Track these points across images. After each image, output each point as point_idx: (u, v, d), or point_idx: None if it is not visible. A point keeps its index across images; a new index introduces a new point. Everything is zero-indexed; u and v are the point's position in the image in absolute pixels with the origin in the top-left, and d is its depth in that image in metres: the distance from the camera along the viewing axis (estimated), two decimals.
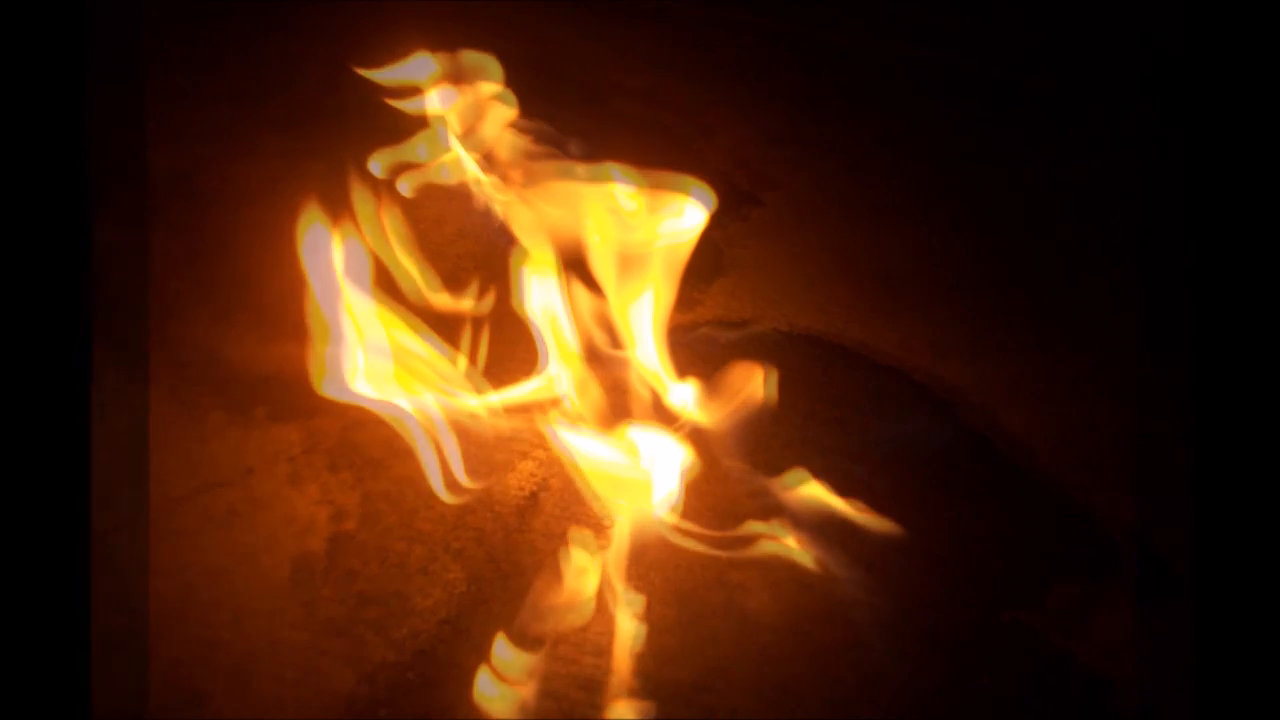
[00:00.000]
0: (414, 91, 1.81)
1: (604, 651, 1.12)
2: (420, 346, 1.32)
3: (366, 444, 1.34)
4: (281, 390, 1.38)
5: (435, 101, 1.78)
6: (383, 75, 1.85)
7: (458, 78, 1.79)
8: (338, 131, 1.90)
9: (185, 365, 1.44)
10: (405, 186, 1.74)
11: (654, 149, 2.05)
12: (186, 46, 2.16)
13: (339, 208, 1.40)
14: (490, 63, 1.78)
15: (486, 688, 1.07)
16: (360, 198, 1.49)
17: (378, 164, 1.76)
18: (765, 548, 1.21)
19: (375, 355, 1.28)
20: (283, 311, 1.41)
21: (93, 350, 1.09)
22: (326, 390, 1.26)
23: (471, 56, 1.79)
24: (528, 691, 1.07)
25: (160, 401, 1.38)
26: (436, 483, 1.25)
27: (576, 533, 1.23)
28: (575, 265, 1.38)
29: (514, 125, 1.81)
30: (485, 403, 1.33)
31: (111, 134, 1.83)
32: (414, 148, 1.79)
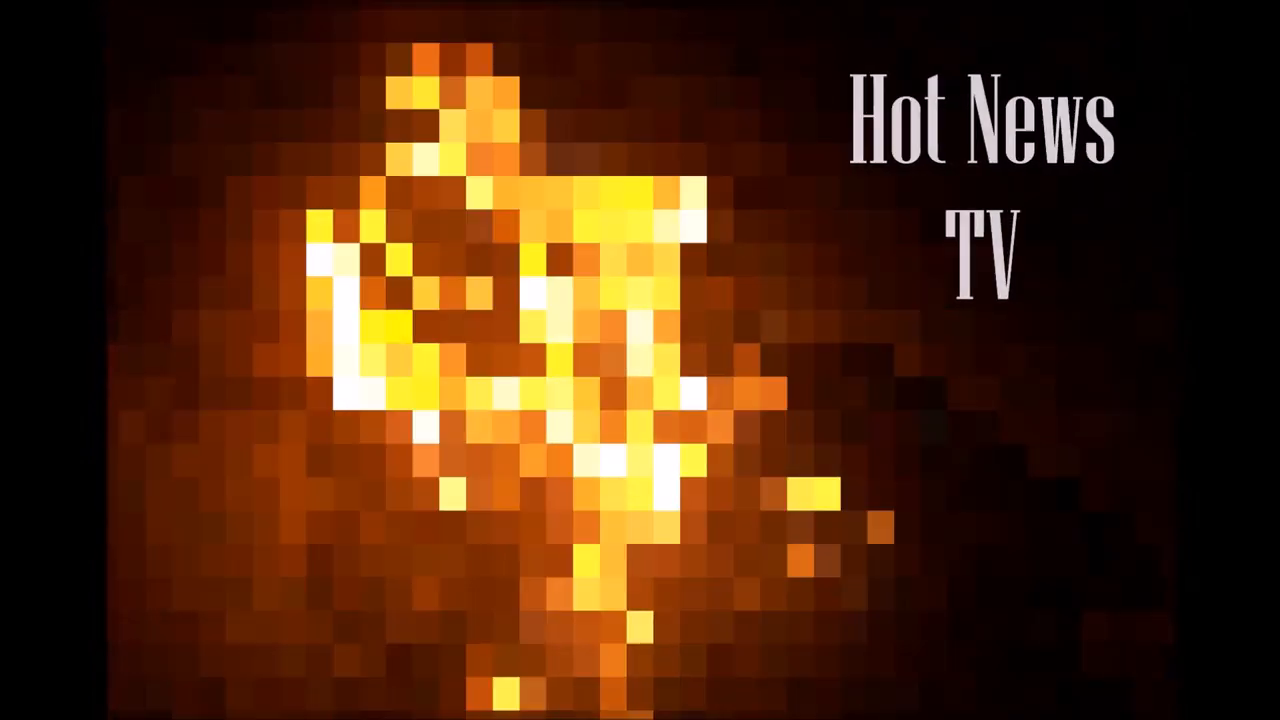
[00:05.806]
0: (419, 92, 1.80)
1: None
2: (418, 346, 1.32)
3: (364, 443, 1.34)
4: (285, 390, 1.39)
5: (438, 101, 1.77)
6: (389, 79, 1.85)
7: (461, 77, 1.79)
8: (346, 134, 1.89)
9: (193, 365, 1.45)
10: (407, 185, 1.74)
11: (653, 145, 2.01)
12: (201, 50, 2.17)
13: (345, 210, 1.40)
14: (493, 59, 1.77)
15: (482, 690, 1.09)
16: (365, 199, 1.48)
17: (383, 165, 1.76)
18: (769, 550, 1.20)
19: (374, 355, 1.28)
20: (290, 313, 1.41)
21: (108, 349, 1.10)
22: (331, 392, 1.27)
23: (476, 49, 1.78)
24: (523, 692, 1.09)
25: (166, 400, 1.39)
26: (433, 484, 1.25)
27: (576, 532, 1.23)
28: (574, 264, 1.36)
29: (514, 121, 1.80)
30: (483, 403, 1.33)
31: (128, 137, 1.84)
32: (418, 149, 1.78)
